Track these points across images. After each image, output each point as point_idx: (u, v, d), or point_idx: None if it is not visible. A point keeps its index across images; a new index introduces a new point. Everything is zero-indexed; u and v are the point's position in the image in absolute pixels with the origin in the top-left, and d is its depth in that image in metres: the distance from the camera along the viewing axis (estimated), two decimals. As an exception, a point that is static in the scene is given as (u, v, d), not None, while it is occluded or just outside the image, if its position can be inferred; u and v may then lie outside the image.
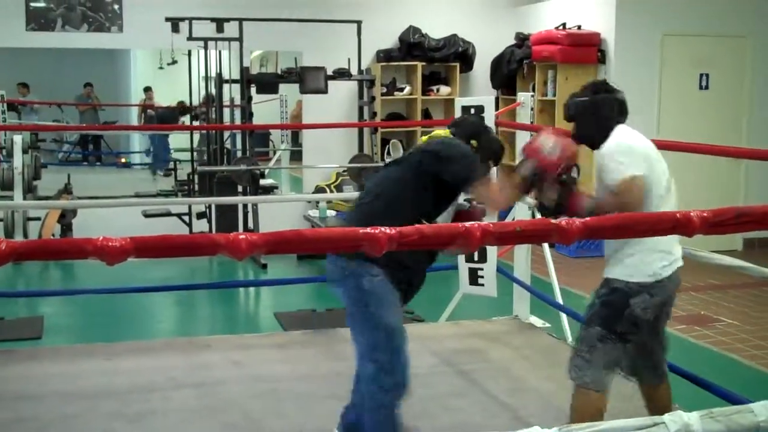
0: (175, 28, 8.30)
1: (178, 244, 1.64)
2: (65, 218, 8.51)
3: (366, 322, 3.18)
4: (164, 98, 14.92)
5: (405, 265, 3.19)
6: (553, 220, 1.77)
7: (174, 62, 13.17)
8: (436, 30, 9.72)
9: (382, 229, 1.77)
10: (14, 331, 5.87)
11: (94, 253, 1.53)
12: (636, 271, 3.15)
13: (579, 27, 8.66)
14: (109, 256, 1.54)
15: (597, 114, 3.38)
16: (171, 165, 12.62)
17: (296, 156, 11.11)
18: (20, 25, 8.91)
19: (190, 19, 8.30)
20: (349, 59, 8.68)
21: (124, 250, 1.54)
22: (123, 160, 15.96)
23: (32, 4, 8.93)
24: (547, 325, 5.60)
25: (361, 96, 8.92)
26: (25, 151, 8.75)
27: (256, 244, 1.66)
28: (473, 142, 3.36)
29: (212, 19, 8.31)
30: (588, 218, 1.79)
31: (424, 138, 3.51)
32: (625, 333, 3.17)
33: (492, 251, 5.36)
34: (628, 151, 3.17)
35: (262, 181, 8.80)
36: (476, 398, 4.28)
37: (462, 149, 3.25)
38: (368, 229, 1.76)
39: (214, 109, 8.97)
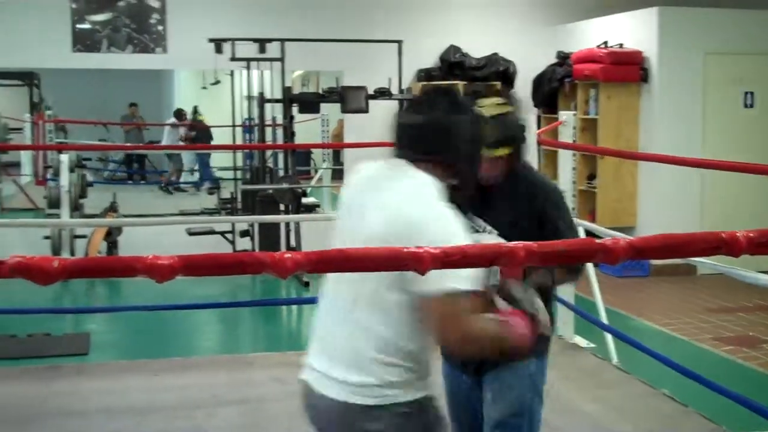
0: (219, 49, 8.41)
1: (225, 263, 1.66)
2: (111, 236, 8.63)
3: None
4: (208, 117, 15.10)
5: None
6: (597, 240, 1.76)
7: (217, 82, 13.34)
8: (476, 49, 9.74)
9: (427, 248, 1.77)
10: (61, 347, 5.94)
11: (144, 271, 1.55)
12: None
13: (621, 45, 8.61)
14: (158, 274, 1.57)
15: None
16: (214, 183, 12.76)
17: (338, 174, 11.18)
18: (67, 46, 9.11)
19: (233, 40, 8.41)
20: (389, 78, 8.72)
21: (173, 269, 1.57)
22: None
23: (78, 26, 9.12)
24: (592, 345, 5.55)
25: (402, 115, 8.95)
26: (71, 170, 8.90)
27: (300, 263, 1.67)
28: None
29: (255, 40, 8.41)
30: (634, 238, 1.78)
31: None
32: None
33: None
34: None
35: (304, 200, 8.86)
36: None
37: None
38: (412, 248, 1.76)
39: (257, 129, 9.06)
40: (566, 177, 5.67)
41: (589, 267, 5.59)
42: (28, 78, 14.12)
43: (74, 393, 4.25)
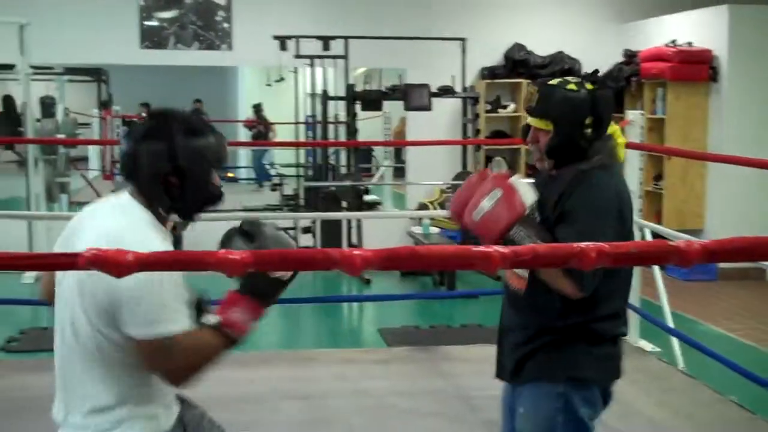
0: (283, 46, 8.48)
1: (295, 259, 1.67)
2: (176, 230, 8.74)
3: None
4: (271, 114, 15.24)
5: None
6: (670, 242, 1.72)
7: (281, 79, 13.44)
8: (541, 47, 9.65)
9: (496, 247, 1.75)
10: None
11: (216, 266, 1.56)
12: None
13: (690, 44, 8.44)
14: (230, 269, 1.58)
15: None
16: (276, 180, 12.86)
17: (399, 172, 11.18)
18: (135, 43, 9.26)
19: (298, 38, 8.47)
20: (453, 76, 8.69)
21: (244, 263, 1.58)
22: (230, 174, 16.40)
23: (146, 23, 9.26)
24: (657, 349, 5.45)
25: (465, 113, 8.92)
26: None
27: (370, 261, 1.67)
28: None
29: (319, 37, 8.46)
30: (708, 240, 1.74)
31: None
32: None
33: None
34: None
35: (366, 197, 8.88)
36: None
37: None
38: (481, 248, 1.75)
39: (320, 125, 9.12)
40: (633, 178, 5.59)
41: (656, 270, 5.50)
42: (96, 74, 14.38)
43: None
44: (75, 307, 2.13)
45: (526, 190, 2.39)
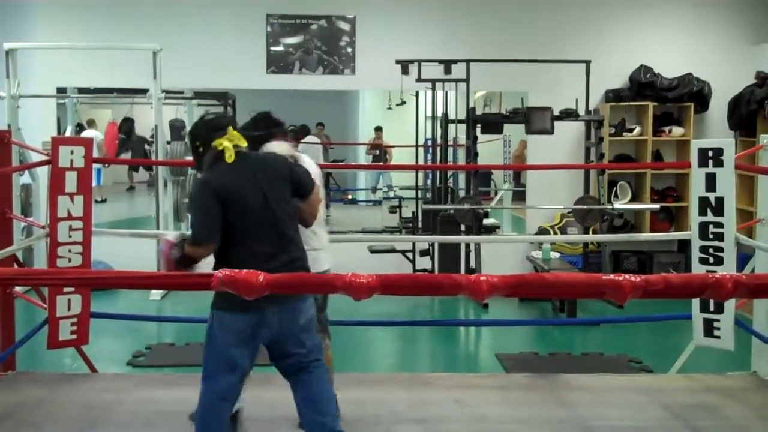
0: (405, 70, 8.55)
1: (421, 283, 1.66)
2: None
3: None
4: (392, 137, 15.35)
5: None
6: None
7: (402, 103, 13.53)
8: (668, 69, 9.40)
9: (627, 276, 1.71)
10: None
11: (343, 289, 1.58)
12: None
13: (829, 64, 8.06)
14: (356, 292, 1.59)
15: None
16: (396, 202, 12.92)
17: (518, 196, 11.07)
18: (261, 68, 9.54)
19: (419, 62, 8.52)
20: (576, 99, 8.55)
21: (370, 287, 1.59)
22: (349, 196, 16.58)
23: (273, 49, 9.52)
24: (791, 383, 5.19)
25: (588, 137, 8.76)
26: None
27: (496, 286, 1.65)
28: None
29: (440, 61, 8.49)
30: None
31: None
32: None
33: (730, 302, 5.05)
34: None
35: (485, 221, 8.82)
36: (710, 458, 4.03)
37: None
38: (611, 276, 1.71)
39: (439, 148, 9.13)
40: (764, 204, 5.37)
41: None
42: (223, 98, 14.83)
43: (258, 401, 4.38)
44: None
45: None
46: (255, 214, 3.42)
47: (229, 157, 3.47)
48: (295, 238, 3.53)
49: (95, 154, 5.43)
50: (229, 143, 3.49)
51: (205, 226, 3.36)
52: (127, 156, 13.46)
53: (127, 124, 13.62)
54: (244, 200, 3.41)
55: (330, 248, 4.12)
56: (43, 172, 7.93)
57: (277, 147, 3.93)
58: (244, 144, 3.55)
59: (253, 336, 3.43)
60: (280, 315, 3.34)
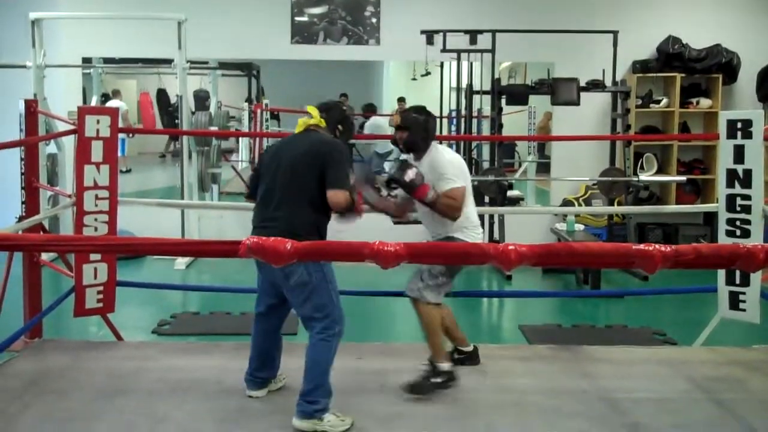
0: (430, 41, 8.50)
1: (450, 252, 1.66)
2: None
3: None
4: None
5: None
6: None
7: (427, 73, 13.47)
8: (697, 40, 9.28)
9: (657, 246, 1.69)
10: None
11: (371, 257, 1.58)
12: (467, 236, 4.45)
13: None
14: (384, 260, 1.59)
15: (426, 130, 4.46)
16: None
17: (542, 168, 11.01)
18: (286, 38, 9.51)
19: (445, 32, 8.46)
20: (603, 70, 8.47)
21: (398, 255, 1.58)
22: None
23: (297, 19, 9.49)
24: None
25: (614, 108, 8.68)
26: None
27: (525, 256, 1.64)
28: (340, 127, 4.19)
29: (466, 31, 8.42)
30: None
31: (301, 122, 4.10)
32: (455, 273, 4.47)
33: (756, 275, 5.01)
34: (458, 166, 4.38)
35: (509, 193, 8.79)
36: (733, 431, 4.01)
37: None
38: (641, 246, 1.69)
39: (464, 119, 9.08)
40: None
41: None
42: (248, 69, 14.82)
43: (285, 370, 4.42)
44: None
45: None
46: (264, 176, 4.02)
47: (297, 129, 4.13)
48: (290, 208, 3.87)
49: (120, 124, 5.45)
50: (301, 120, 4.10)
51: (252, 179, 4.21)
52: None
53: (162, 95, 13.67)
54: (268, 165, 4.04)
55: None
56: (69, 142, 7.99)
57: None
58: (315, 123, 4.10)
59: None
60: None
